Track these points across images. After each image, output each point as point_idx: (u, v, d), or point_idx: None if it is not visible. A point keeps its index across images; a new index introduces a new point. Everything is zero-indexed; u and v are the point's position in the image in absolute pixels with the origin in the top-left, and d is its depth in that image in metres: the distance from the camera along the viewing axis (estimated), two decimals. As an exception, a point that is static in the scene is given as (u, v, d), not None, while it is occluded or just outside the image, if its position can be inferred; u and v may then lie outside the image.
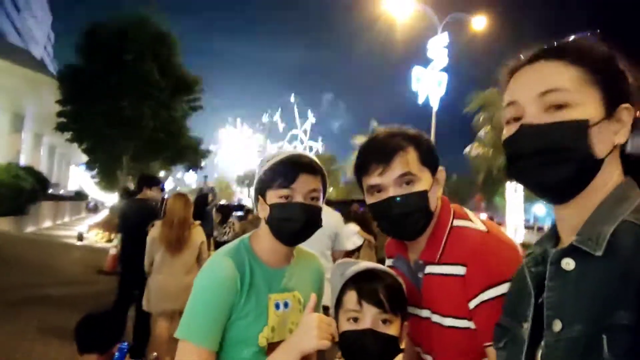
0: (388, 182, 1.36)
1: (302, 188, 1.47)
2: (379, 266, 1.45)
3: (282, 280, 1.56)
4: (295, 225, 1.47)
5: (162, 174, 25.88)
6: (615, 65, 0.90)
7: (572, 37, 0.97)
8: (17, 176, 16.17)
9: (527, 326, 0.89)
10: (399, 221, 1.37)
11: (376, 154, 1.39)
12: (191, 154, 22.98)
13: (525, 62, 0.95)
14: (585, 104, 0.86)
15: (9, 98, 23.09)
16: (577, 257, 0.82)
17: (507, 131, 0.95)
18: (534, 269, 0.93)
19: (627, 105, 0.88)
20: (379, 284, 1.34)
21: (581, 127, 0.84)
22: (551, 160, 0.85)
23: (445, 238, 1.38)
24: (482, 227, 1.37)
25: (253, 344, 1.44)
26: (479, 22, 23.49)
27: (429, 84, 25.46)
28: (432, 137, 22.10)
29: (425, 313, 1.39)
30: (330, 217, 3.84)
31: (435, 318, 1.35)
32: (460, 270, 1.30)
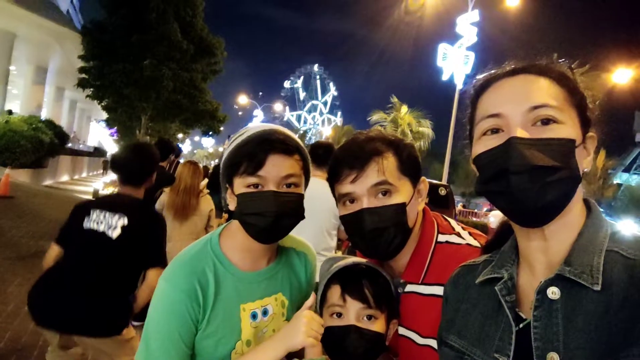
0: (361, 191, 1.22)
1: (274, 173, 1.22)
2: (366, 262, 1.34)
3: (260, 285, 1.35)
4: (267, 220, 1.22)
5: (179, 136, 26.04)
6: (583, 94, 0.89)
7: (546, 61, 0.92)
8: (38, 129, 16.37)
9: None
10: (372, 238, 1.23)
11: (350, 158, 1.25)
12: (209, 118, 23.01)
13: (505, 75, 0.91)
14: (569, 124, 0.84)
15: (33, 50, 23.22)
16: (562, 286, 0.80)
17: (484, 145, 0.87)
18: (509, 298, 0.88)
19: (592, 134, 0.88)
20: (364, 278, 1.27)
21: (570, 146, 0.82)
22: (544, 177, 0.79)
23: (429, 257, 1.27)
24: (470, 241, 1.27)
25: None
26: (512, 0, 23.03)
27: (455, 62, 25.25)
28: (454, 117, 21.92)
29: (401, 330, 1.29)
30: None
31: (413, 337, 1.25)
32: None
